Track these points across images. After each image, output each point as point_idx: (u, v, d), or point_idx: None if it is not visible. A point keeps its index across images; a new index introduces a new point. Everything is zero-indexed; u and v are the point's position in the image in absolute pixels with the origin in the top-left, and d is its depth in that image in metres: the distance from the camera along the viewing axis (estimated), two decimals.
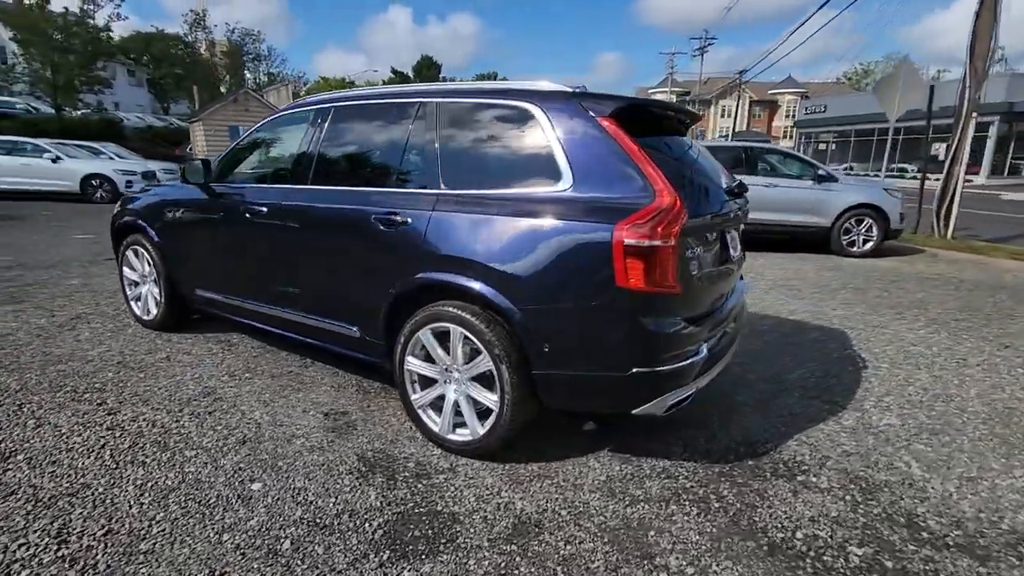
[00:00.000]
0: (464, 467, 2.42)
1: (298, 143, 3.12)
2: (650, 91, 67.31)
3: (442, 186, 2.49)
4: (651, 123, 2.50)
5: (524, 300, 2.21)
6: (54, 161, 12.78)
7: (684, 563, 1.88)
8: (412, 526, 2.04)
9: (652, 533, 2.03)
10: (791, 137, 48.61)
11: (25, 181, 12.68)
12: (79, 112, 22.21)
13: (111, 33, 20.29)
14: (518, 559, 1.88)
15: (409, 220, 2.50)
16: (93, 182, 12.94)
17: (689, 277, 2.20)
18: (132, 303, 4.13)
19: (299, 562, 1.83)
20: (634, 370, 2.11)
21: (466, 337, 2.34)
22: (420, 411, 2.60)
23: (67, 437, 2.55)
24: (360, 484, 2.27)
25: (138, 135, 25.42)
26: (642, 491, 2.29)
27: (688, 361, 2.18)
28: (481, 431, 2.40)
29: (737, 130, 50.59)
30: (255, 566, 1.80)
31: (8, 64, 20.98)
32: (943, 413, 3.02)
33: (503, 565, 1.85)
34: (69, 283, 5.40)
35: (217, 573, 1.77)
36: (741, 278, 3.19)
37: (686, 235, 2.14)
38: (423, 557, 1.88)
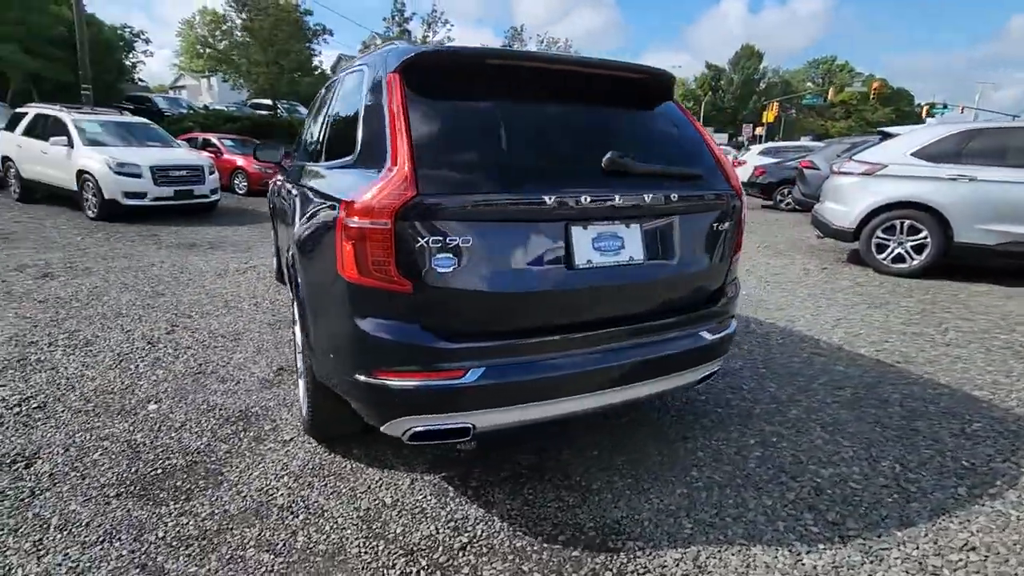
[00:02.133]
0: (297, 445, 2.39)
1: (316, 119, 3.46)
2: None
3: (323, 159, 2.46)
4: (507, 80, 1.94)
5: (300, 285, 2.09)
6: None
7: None
8: (184, 477, 2.15)
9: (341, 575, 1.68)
10: None
11: None
12: None
13: None
14: (206, 542, 1.81)
15: (294, 192, 2.56)
16: None
17: (437, 273, 1.66)
18: (274, 259, 5.23)
19: (78, 468, 2.15)
20: (357, 377, 1.75)
21: None
22: (300, 379, 2.65)
23: (123, 343, 3.47)
24: (209, 431, 2.48)
25: None
26: (400, 530, 1.89)
27: (437, 384, 1.70)
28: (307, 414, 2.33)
29: None
30: (58, 460, 2.20)
31: None
32: None
33: (185, 537, 1.82)
34: None
35: (32, 456, 2.23)
36: (723, 295, 2.21)
37: (437, 218, 1.64)
38: (147, 504, 1.98)
